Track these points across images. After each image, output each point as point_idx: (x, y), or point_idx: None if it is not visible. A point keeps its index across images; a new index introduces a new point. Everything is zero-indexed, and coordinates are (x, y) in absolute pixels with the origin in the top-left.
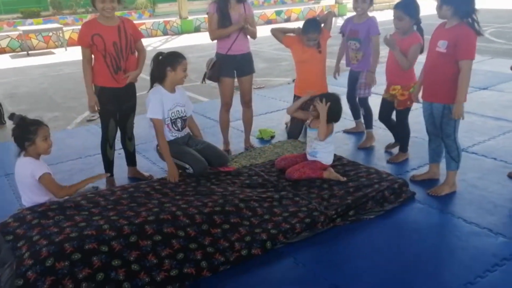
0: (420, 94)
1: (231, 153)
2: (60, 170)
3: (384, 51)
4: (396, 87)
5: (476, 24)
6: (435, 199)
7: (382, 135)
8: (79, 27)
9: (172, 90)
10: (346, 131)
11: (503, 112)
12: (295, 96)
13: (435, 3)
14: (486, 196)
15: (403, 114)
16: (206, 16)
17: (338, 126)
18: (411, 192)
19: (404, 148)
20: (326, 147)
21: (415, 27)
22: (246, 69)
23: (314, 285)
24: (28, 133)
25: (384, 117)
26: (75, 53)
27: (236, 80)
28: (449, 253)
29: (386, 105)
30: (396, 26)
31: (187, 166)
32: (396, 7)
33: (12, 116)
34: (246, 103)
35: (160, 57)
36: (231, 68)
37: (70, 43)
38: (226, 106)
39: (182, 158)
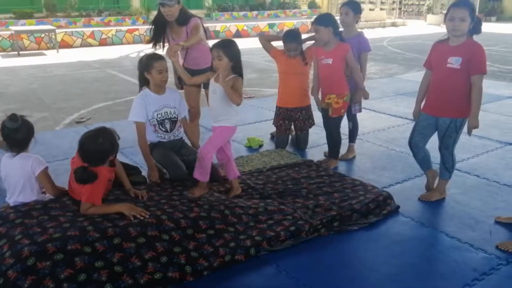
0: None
1: None
2: None
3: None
4: (331, 96)
5: None
6: (418, 212)
7: (367, 148)
8: (72, 29)
9: (160, 92)
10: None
11: (487, 131)
12: (277, 107)
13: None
14: (468, 211)
15: (336, 121)
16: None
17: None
18: (396, 205)
19: (335, 155)
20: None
21: (338, 38)
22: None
23: None
24: (33, 133)
25: (328, 126)
26: (67, 55)
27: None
28: (430, 266)
29: (326, 115)
30: (316, 39)
31: (164, 170)
32: (312, 23)
33: (15, 117)
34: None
35: (139, 62)
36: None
37: (62, 45)
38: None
39: (162, 161)
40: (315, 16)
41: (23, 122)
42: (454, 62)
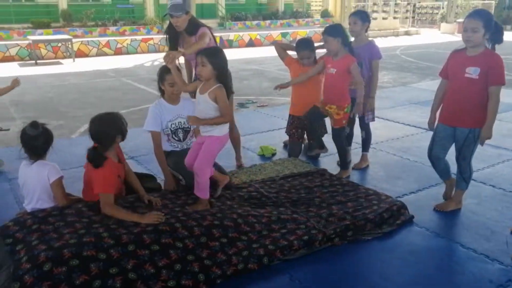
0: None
1: (243, 167)
2: None
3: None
4: (332, 106)
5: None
6: (432, 223)
7: (380, 157)
8: (88, 39)
9: (174, 102)
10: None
11: (502, 141)
12: (290, 116)
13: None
14: (483, 222)
15: (339, 132)
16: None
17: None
18: (410, 215)
19: (345, 166)
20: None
21: (346, 49)
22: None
23: None
24: (52, 141)
25: (311, 116)
26: (83, 64)
27: None
28: (446, 277)
29: (317, 111)
30: (326, 49)
31: (180, 177)
32: (322, 33)
33: (36, 125)
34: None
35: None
36: None
37: (78, 54)
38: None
39: (177, 169)
40: (326, 26)
41: (44, 130)
42: (472, 72)
